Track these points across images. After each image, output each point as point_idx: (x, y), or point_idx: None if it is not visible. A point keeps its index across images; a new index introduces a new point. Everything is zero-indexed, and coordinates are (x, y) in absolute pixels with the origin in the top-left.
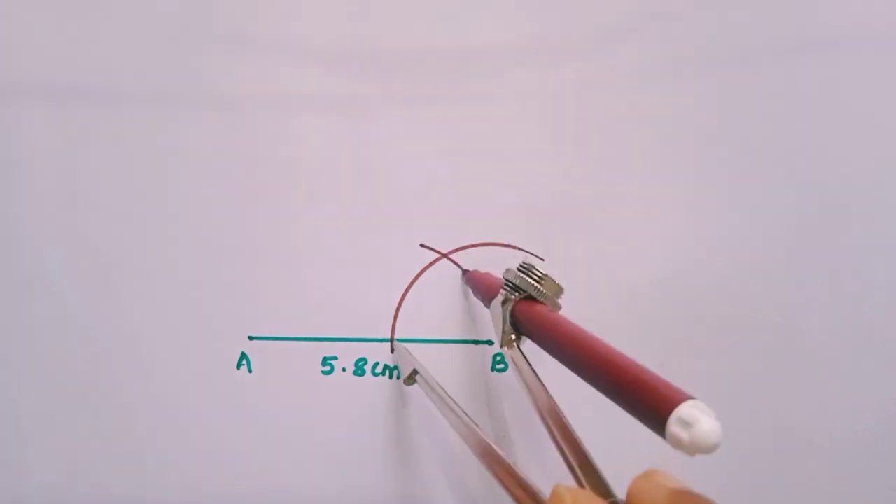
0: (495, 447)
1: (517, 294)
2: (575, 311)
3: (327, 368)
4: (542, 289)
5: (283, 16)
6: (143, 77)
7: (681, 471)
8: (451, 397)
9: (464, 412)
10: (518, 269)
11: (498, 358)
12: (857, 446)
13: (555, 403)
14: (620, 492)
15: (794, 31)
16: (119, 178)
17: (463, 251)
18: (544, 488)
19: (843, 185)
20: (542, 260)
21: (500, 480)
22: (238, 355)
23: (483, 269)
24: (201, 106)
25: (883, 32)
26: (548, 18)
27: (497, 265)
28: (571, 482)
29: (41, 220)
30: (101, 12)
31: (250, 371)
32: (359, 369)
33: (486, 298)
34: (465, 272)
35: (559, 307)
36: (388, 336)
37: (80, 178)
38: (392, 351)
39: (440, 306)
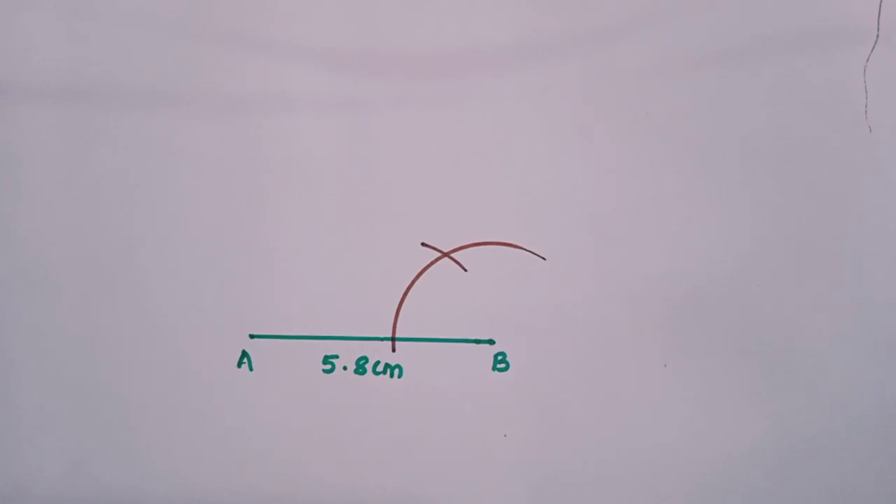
0: None
1: None
2: (576, 310)
3: (328, 367)
4: None
5: (283, 16)
6: (143, 77)
7: (682, 467)
8: None
9: None
10: None
11: (499, 357)
12: (859, 445)
13: None
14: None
15: (795, 31)
16: (119, 178)
17: (464, 250)
18: (545, 487)
19: (844, 184)
20: (544, 259)
21: None
22: (239, 353)
23: (484, 269)
24: (201, 106)
25: (882, 31)
26: (548, 19)
27: (498, 264)
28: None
29: (42, 219)
30: (102, 12)
31: (251, 369)
32: (360, 368)
33: None
34: None
35: None
36: (390, 335)
37: (81, 178)
38: (393, 350)
39: (441, 305)
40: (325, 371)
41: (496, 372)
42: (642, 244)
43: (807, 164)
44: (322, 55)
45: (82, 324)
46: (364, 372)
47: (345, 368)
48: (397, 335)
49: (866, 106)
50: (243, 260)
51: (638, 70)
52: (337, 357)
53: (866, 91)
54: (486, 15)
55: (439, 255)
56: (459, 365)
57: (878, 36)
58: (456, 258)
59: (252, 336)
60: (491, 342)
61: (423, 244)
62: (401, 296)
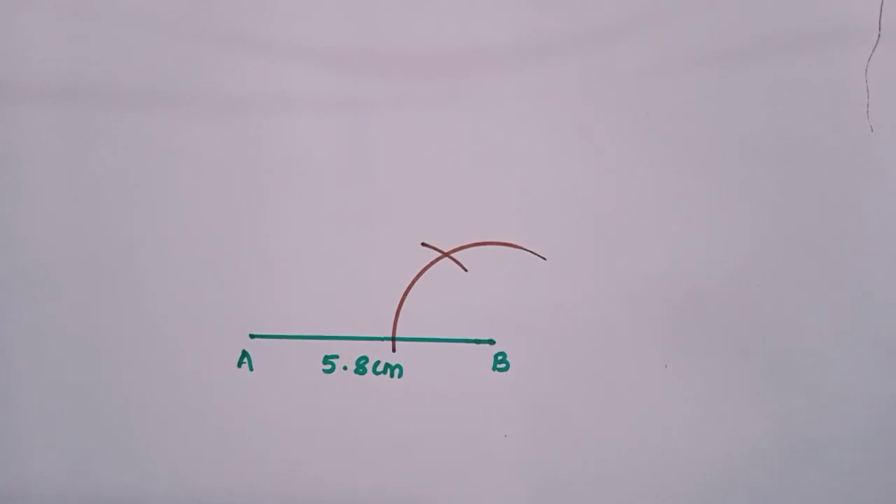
0: None
1: None
2: (576, 310)
3: (328, 367)
4: None
5: (283, 16)
6: (143, 77)
7: (683, 467)
8: None
9: None
10: None
11: (499, 357)
12: (859, 445)
13: None
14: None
15: (795, 31)
16: (119, 178)
17: (464, 250)
18: (545, 487)
19: (845, 184)
20: (545, 259)
21: None
22: (239, 353)
23: (485, 269)
24: (201, 106)
25: (884, 31)
26: (548, 19)
27: (498, 264)
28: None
29: (42, 219)
30: (102, 12)
31: (251, 369)
32: (360, 368)
33: None
34: None
35: None
36: (390, 335)
37: (81, 178)
38: (393, 350)
39: (441, 305)
40: (325, 371)
41: (496, 372)
42: (642, 244)
43: (807, 164)
44: (322, 55)
45: (82, 324)
46: (364, 372)
47: (345, 368)
48: (397, 335)
49: (867, 106)
50: (243, 260)
51: (638, 70)
52: (337, 357)
53: (867, 91)
54: (486, 15)
55: (439, 255)
56: (459, 365)
57: (879, 36)
58: (456, 258)
59: (252, 336)
60: (491, 342)
61: (423, 244)
62: (401, 296)
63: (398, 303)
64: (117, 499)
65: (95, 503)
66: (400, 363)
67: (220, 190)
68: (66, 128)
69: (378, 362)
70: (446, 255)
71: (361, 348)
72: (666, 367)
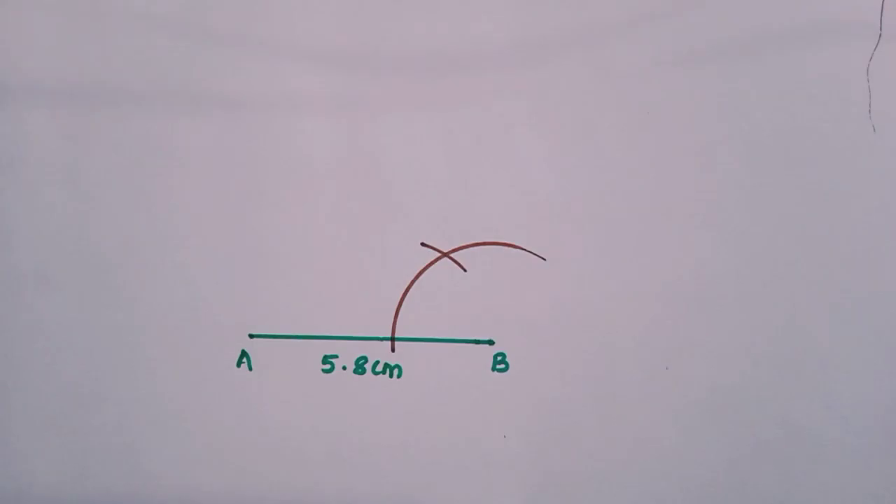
0: None
1: None
2: (576, 310)
3: (328, 367)
4: None
5: (284, 16)
6: (143, 77)
7: (683, 469)
8: None
9: None
10: None
11: (498, 358)
12: (865, 447)
13: None
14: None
15: (798, 30)
16: (120, 178)
17: (464, 250)
18: (545, 488)
19: (849, 183)
20: (544, 260)
21: None
22: (238, 353)
23: (484, 269)
24: (201, 106)
25: (885, 31)
26: (548, 19)
27: (498, 264)
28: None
29: (42, 218)
30: (102, 12)
31: (250, 369)
32: (359, 367)
33: None
34: None
35: None
36: (389, 335)
37: (81, 178)
38: (392, 350)
39: (441, 305)
40: (324, 371)
41: (496, 372)
42: (644, 244)
43: (810, 163)
44: (322, 55)
45: (82, 324)
46: (363, 372)
47: (344, 368)
48: (397, 335)
49: (869, 106)
50: (243, 260)
51: (638, 69)
52: (336, 357)
53: (869, 91)
54: (486, 15)
55: (439, 255)
56: (459, 365)
57: (880, 35)
58: (455, 258)
59: (252, 336)
60: (491, 342)
61: (422, 244)
62: (400, 296)
63: (397, 303)
64: (116, 498)
65: (95, 502)
66: (399, 363)
67: (220, 190)
68: (66, 128)
69: (377, 362)
70: (445, 255)
71: (361, 348)
72: (667, 369)
